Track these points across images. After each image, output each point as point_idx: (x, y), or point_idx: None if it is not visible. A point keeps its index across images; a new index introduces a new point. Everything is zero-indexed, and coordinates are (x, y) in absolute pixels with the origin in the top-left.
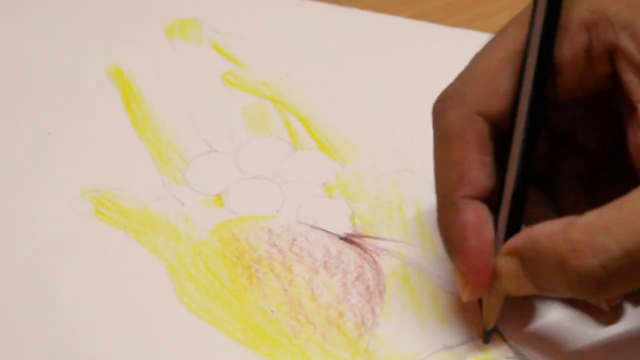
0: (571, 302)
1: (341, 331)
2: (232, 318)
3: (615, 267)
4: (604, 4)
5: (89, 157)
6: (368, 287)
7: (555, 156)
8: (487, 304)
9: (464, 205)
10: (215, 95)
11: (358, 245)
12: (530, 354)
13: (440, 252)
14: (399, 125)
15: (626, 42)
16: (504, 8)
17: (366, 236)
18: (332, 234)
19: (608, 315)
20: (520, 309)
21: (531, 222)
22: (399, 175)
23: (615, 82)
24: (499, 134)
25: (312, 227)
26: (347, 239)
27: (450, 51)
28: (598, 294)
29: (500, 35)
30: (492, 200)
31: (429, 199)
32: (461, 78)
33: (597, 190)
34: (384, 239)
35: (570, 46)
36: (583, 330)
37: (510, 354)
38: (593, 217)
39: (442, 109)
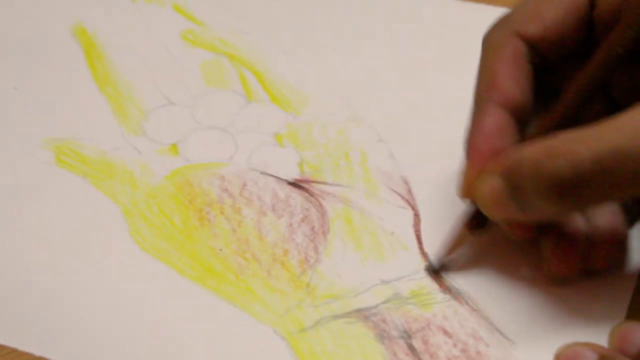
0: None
1: (285, 267)
2: (182, 255)
3: (584, 171)
4: None
5: (52, 110)
6: (313, 228)
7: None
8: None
9: (490, 109)
10: (174, 52)
11: (305, 189)
12: (463, 288)
13: (382, 195)
14: (348, 77)
15: None
16: None
17: (313, 181)
18: (281, 179)
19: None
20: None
21: None
22: (346, 125)
23: None
24: (540, 58)
25: (262, 173)
26: (295, 184)
27: (403, 7)
28: (570, 201)
29: None
30: (523, 117)
31: (374, 146)
32: (513, 7)
33: None
34: (330, 184)
35: None
36: (522, 281)
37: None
38: (573, 132)
39: (488, 32)
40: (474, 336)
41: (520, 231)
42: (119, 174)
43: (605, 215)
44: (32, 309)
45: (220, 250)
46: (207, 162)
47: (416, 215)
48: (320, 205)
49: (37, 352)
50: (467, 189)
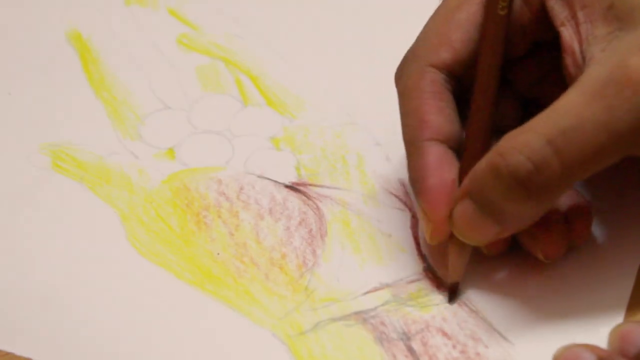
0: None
1: (283, 271)
2: (180, 260)
3: (539, 157)
4: None
5: (48, 115)
6: (310, 231)
7: (524, 117)
8: (452, 258)
9: (427, 147)
10: (170, 57)
11: (302, 192)
12: (462, 289)
13: (379, 198)
14: (345, 81)
15: None
16: None
17: (310, 184)
18: (278, 182)
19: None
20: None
21: None
22: (343, 128)
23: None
24: (456, 83)
25: (259, 176)
26: (292, 187)
27: (399, 10)
28: (537, 195)
29: None
30: (459, 147)
31: (371, 149)
32: (415, 40)
33: None
34: (328, 187)
35: None
36: (521, 283)
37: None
38: (516, 129)
39: (400, 70)
40: (473, 337)
41: (500, 246)
42: (115, 179)
43: (570, 195)
44: (29, 313)
45: (218, 254)
46: (204, 166)
47: (414, 217)
48: (318, 208)
49: (35, 357)
50: (435, 231)
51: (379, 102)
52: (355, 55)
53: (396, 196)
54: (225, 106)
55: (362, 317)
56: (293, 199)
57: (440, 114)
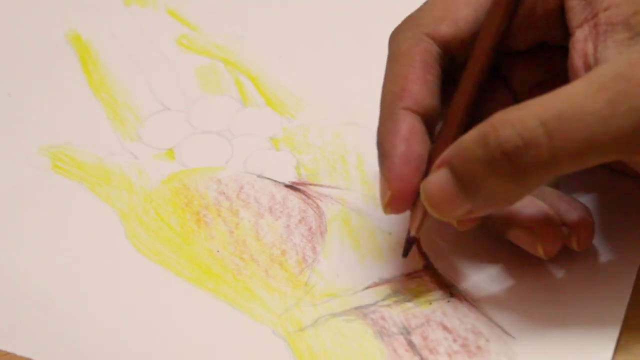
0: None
1: (283, 267)
2: (179, 258)
3: (530, 135)
4: None
5: (47, 116)
6: (310, 228)
7: None
8: (413, 214)
9: (401, 115)
10: (169, 57)
11: (302, 192)
12: (462, 284)
13: (379, 196)
14: (344, 81)
15: None
16: None
17: (310, 184)
18: (278, 182)
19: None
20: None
21: None
22: (342, 128)
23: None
24: (449, 60)
25: (259, 176)
26: (292, 187)
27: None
28: (520, 176)
29: None
30: (433, 122)
31: (370, 149)
32: (419, 7)
33: None
34: (327, 186)
35: None
36: (521, 276)
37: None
38: (513, 106)
39: (395, 33)
40: (474, 331)
41: (469, 222)
42: (115, 179)
43: (573, 206)
44: (29, 313)
45: (218, 251)
46: (204, 167)
47: None
48: (318, 206)
49: (35, 356)
50: (393, 201)
51: (379, 102)
52: (354, 55)
53: None
54: (224, 106)
55: (362, 312)
56: (293, 197)
57: (424, 86)
